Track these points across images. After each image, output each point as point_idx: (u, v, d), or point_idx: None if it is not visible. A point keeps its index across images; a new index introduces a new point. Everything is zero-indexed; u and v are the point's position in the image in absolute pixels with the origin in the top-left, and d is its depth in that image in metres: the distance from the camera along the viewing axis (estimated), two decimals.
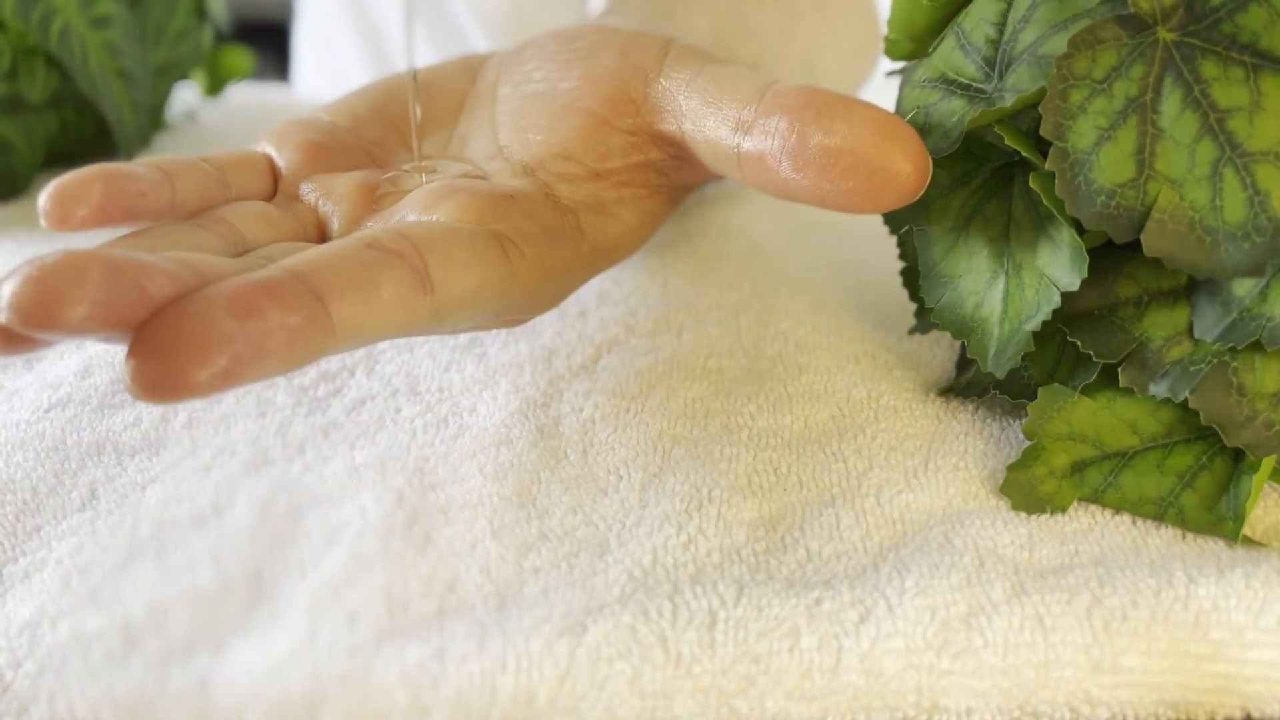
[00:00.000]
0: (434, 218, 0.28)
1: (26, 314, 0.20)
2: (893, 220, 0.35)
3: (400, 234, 0.26)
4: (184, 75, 0.58)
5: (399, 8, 0.82)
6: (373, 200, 0.30)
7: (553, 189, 0.31)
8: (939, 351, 0.36)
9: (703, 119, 0.31)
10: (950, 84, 0.30)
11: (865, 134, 0.27)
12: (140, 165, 0.28)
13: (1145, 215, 0.25)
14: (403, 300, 0.24)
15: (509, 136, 0.33)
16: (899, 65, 0.36)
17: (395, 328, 0.25)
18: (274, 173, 0.32)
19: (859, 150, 0.27)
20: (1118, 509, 0.28)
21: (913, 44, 0.32)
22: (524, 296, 0.28)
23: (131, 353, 0.20)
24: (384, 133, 0.34)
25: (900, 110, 0.31)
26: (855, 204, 0.27)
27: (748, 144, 0.29)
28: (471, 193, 0.29)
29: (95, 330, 0.21)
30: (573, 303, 0.38)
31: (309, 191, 0.31)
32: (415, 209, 0.28)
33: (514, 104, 0.34)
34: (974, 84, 0.29)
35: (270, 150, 0.32)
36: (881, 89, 0.73)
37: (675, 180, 0.33)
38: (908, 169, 0.27)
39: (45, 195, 0.26)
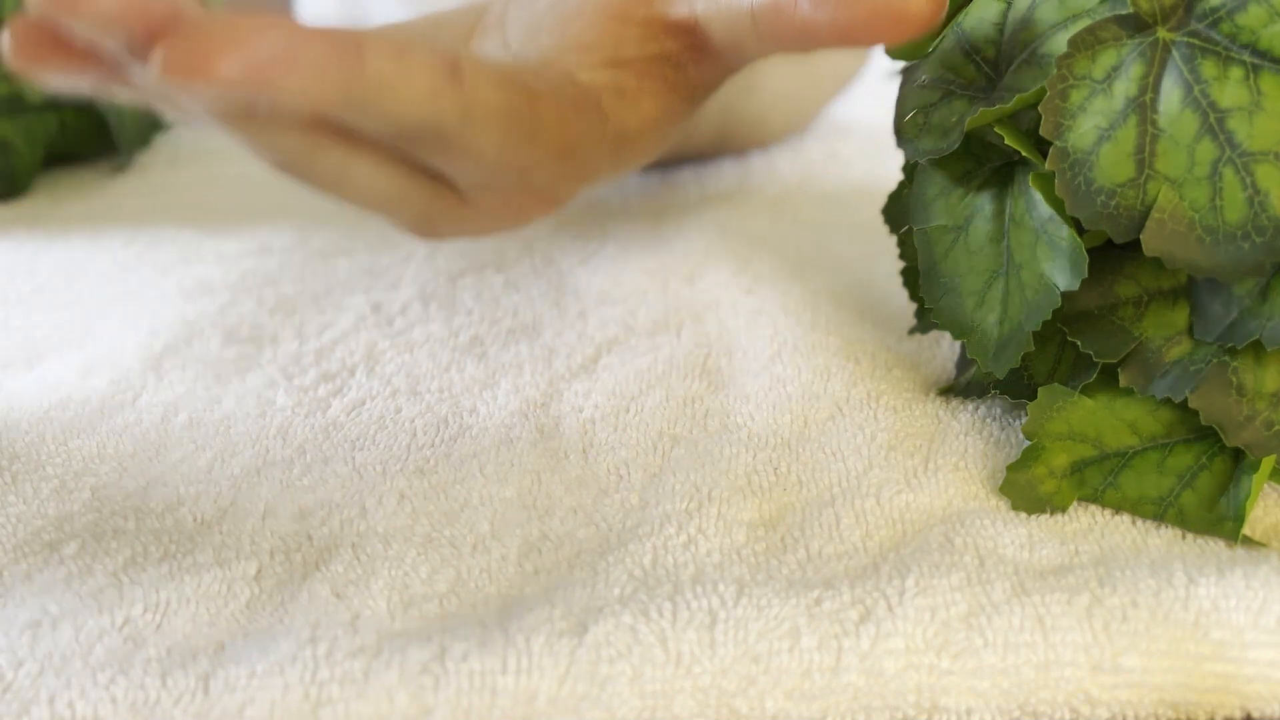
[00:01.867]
0: None
1: None
2: (893, 220, 0.35)
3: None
4: None
5: (396, 8, 0.81)
6: None
7: (573, 74, 0.31)
8: (939, 351, 0.36)
9: None
10: (950, 84, 0.29)
11: None
12: None
13: (1145, 215, 0.25)
14: (433, 80, 0.25)
15: (521, 45, 0.33)
16: (899, 65, 0.36)
17: (421, 105, 0.25)
18: None
19: None
20: (1118, 509, 0.28)
21: (913, 44, 0.32)
22: (547, 158, 0.29)
23: (162, 44, 0.21)
24: None
25: (900, 110, 0.31)
26: (875, 35, 0.28)
27: None
28: (497, 62, 0.29)
29: (123, 25, 0.21)
30: (573, 302, 0.38)
31: None
32: None
33: (524, 19, 0.34)
34: (974, 84, 0.29)
35: None
36: (881, 89, 0.73)
37: (692, 77, 0.34)
38: None
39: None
